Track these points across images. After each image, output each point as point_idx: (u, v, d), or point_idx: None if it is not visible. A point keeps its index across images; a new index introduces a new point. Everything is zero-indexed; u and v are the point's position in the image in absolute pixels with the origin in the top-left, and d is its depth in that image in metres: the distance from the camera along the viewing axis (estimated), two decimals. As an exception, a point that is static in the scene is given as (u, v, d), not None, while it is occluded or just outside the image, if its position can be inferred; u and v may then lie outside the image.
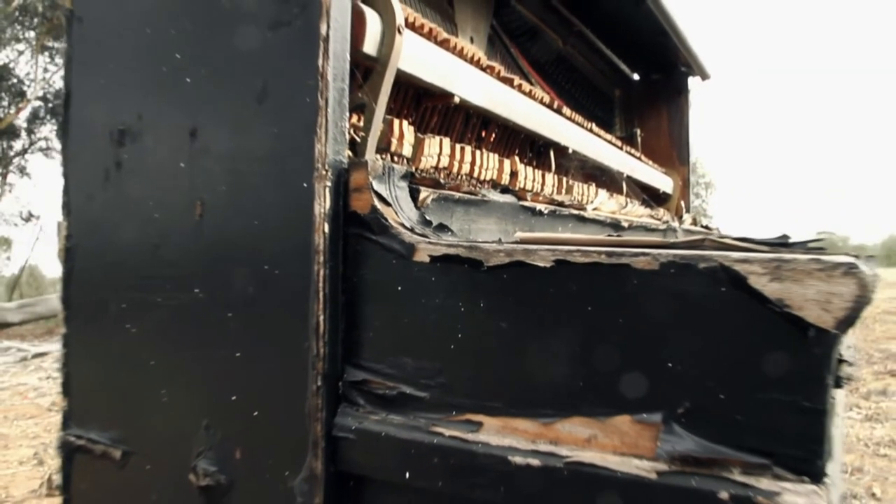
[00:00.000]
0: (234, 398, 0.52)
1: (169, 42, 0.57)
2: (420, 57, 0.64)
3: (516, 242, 0.44)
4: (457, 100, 0.71)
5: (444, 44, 0.71)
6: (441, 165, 0.68)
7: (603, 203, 0.91)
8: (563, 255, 0.41)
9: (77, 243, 0.64)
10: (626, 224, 0.86)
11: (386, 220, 0.47)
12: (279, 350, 0.49)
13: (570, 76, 1.48)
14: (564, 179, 0.98)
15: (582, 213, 0.76)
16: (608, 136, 1.26)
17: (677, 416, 0.38)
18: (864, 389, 4.57)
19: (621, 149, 1.33)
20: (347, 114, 0.50)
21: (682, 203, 1.68)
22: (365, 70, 0.58)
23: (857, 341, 7.34)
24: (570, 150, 1.01)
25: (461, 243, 0.46)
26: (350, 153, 0.52)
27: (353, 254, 0.48)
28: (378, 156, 0.59)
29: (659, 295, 0.38)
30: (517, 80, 0.88)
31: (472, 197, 0.58)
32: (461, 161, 0.72)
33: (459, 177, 0.73)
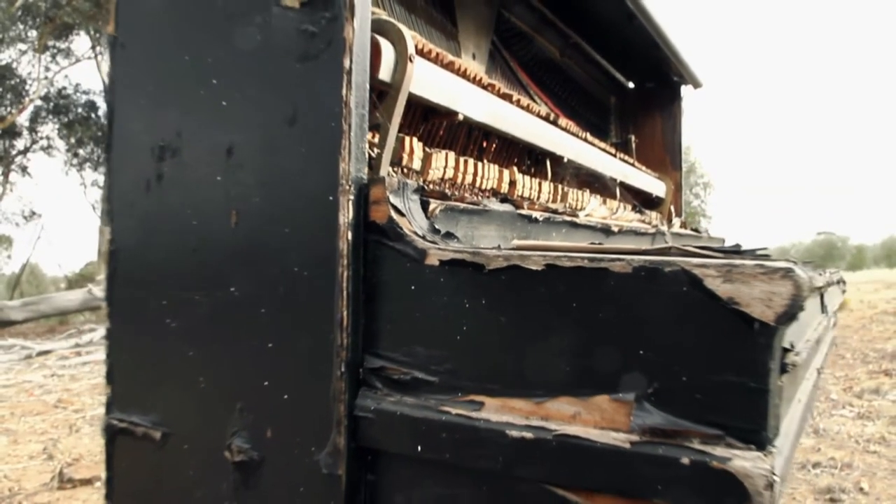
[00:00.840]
0: (265, 384, 0.59)
1: (207, 68, 0.64)
2: (428, 80, 0.72)
3: (513, 249, 0.52)
4: (461, 117, 0.79)
5: (449, 66, 0.78)
6: (447, 177, 0.76)
7: (594, 210, 0.98)
8: (553, 259, 0.48)
9: (120, 247, 0.72)
10: (615, 229, 0.93)
11: (401, 228, 0.55)
12: (307, 341, 0.56)
13: (567, 86, 1.55)
14: (560, 187, 1.06)
15: (574, 219, 0.83)
16: (602, 145, 1.34)
17: (647, 396, 0.45)
18: (857, 388, 4.64)
19: (615, 156, 1.40)
20: (367, 135, 0.58)
21: (675, 206, 1.76)
22: (380, 93, 0.66)
23: (853, 342, 7.40)
24: (566, 160, 1.08)
25: (466, 249, 0.53)
26: (368, 169, 0.59)
27: (373, 258, 0.56)
28: (391, 169, 0.67)
29: (632, 294, 0.45)
30: (515, 96, 0.95)
31: (475, 207, 0.66)
32: (464, 172, 0.80)
33: (463, 186, 0.81)
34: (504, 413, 0.50)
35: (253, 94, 0.61)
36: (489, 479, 0.51)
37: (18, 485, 2.95)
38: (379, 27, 0.64)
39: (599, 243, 0.67)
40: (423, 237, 0.55)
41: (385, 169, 0.64)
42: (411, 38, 0.68)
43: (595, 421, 0.47)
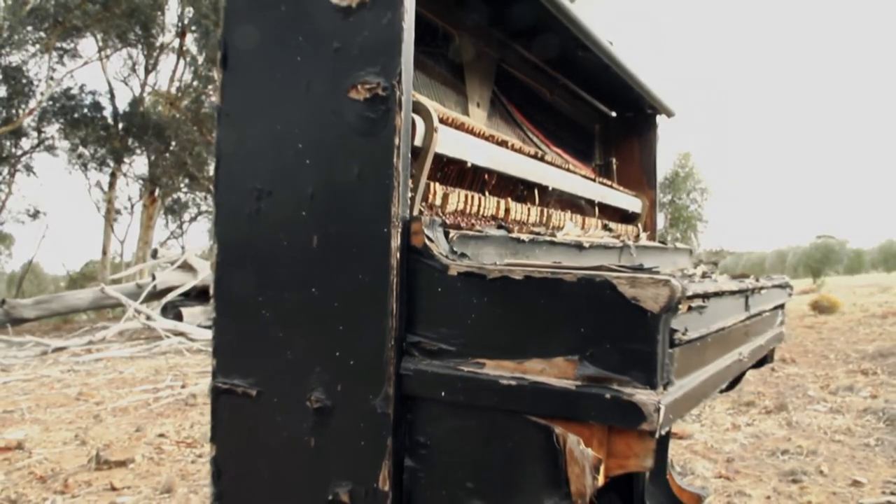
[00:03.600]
0: (337, 354, 0.88)
1: (294, 136, 0.93)
2: (446, 140, 1.00)
3: (505, 265, 0.80)
4: (469, 164, 1.07)
5: (460, 127, 1.07)
6: (459, 209, 1.04)
7: (570, 230, 1.27)
8: (529, 272, 0.77)
9: (224, 259, 1.00)
10: (587, 245, 1.21)
11: (431, 250, 0.83)
12: (368, 325, 0.85)
13: (557, 119, 1.84)
14: (545, 210, 1.34)
15: (553, 239, 1.11)
16: (583, 171, 1.62)
17: (586, 357, 0.74)
18: (833, 386, 4.93)
19: (594, 180, 1.69)
20: (409, 186, 0.86)
21: (649, 220, 2.04)
22: (414, 153, 0.94)
23: (839, 343, 7.63)
24: (550, 188, 1.37)
25: (474, 264, 0.82)
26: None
27: (412, 269, 0.84)
28: (422, 205, 0.95)
29: (577, 295, 0.74)
30: (510, 141, 1.24)
31: (479, 234, 0.94)
32: (471, 205, 1.08)
33: (470, 214, 1.09)
34: (497, 369, 0.78)
35: (329, 157, 0.89)
36: (488, 413, 0.79)
37: (59, 466, 3.24)
38: (415, 107, 0.92)
39: (575, 258, 0.95)
40: (446, 256, 0.83)
41: (417, 207, 0.93)
42: (435, 111, 0.96)
43: (554, 373, 0.75)
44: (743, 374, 1.74)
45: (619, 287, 0.71)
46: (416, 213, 0.91)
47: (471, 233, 0.92)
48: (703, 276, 1.25)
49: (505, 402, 0.77)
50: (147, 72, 16.69)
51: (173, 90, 16.56)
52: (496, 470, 0.79)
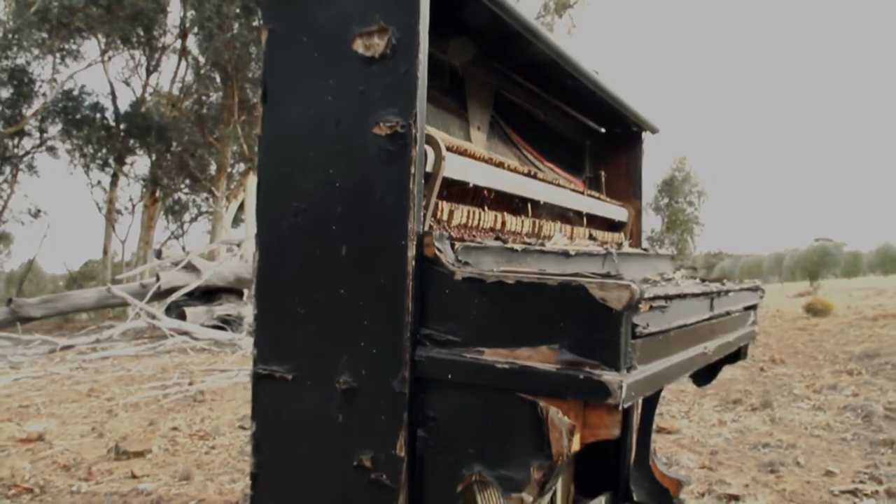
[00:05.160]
0: (362, 344, 1.07)
1: (325, 163, 1.11)
2: (452, 165, 1.19)
3: (500, 271, 0.99)
4: (471, 185, 1.26)
5: (463, 153, 1.26)
6: (462, 223, 1.23)
7: (558, 240, 1.45)
8: (519, 278, 0.95)
9: (265, 265, 1.19)
10: (573, 253, 1.40)
11: (440, 259, 1.02)
12: (388, 320, 1.03)
13: (550, 137, 2.03)
14: (537, 222, 1.53)
15: (542, 248, 1.30)
16: (572, 185, 1.81)
17: (565, 345, 0.92)
18: (818, 385, 5.12)
19: (583, 193, 1.87)
20: (422, 205, 1.05)
21: (634, 229, 2.23)
22: (425, 177, 1.13)
23: (829, 345, 7.81)
24: (542, 202, 1.56)
25: (475, 271, 1.00)
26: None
27: (424, 275, 1.03)
28: (432, 220, 1.14)
29: (557, 296, 0.92)
30: (507, 163, 1.43)
31: (479, 245, 1.13)
32: (472, 219, 1.27)
33: (472, 227, 1.28)
34: (494, 356, 0.97)
35: (355, 182, 1.08)
36: (486, 391, 0.98)
37: (80, 456, 3.42)
38: (427, 140, 1.11)
39: (562, 265, 1.14)
40: (452, 264, 1.02)
41: (428, 223, 1.11)
42: (443, 142, 1.15)
43: (539, 359, 0.94)
44: (718, 367, 1.93)
45: (590, 290, 0.90)
46: (427, 228, 1.10)
47: (472, 244, 1.11)
48: (674, 280, 1.44)
49: (500, 383, 0.96)
50: (149, 72, 16.87)
51: (175, 91, 16.73)
52: (492, 437, 0.98)
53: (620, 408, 0.91)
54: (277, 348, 1.17)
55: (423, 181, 1.06)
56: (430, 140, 1.12)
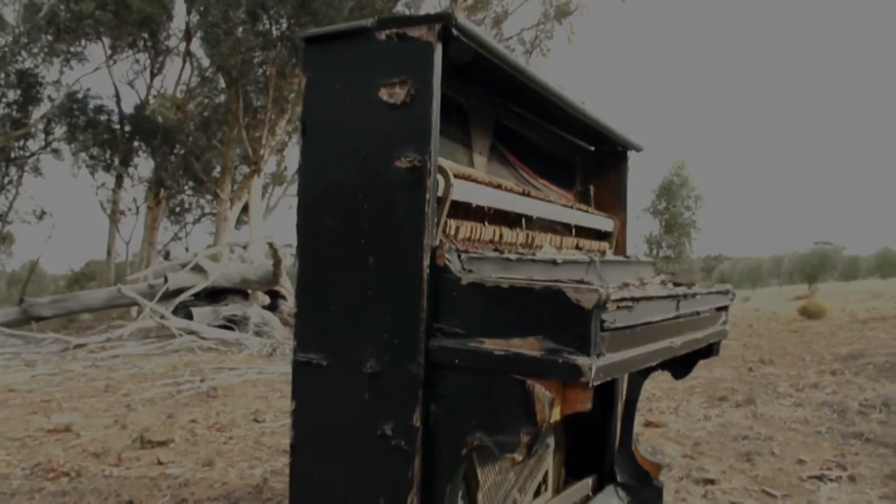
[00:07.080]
0: (385, 336, 1.32)
1: (355, 187, 1.37)
2: (458, 189, 1.44)
3: (497, 277, 1.24)
4: (473, 205, 1.52)
5: (467, 178, 1.51)
6: (466, 236, 1.49)
7: (547, 250, 1.71)
8: (512, 283, 1.21)
9: (304, 271, 1.44)
10: (560, 261, 1.66)
11: (449, 268, 1.27)
12: (407, 316, 1.29)
13: (544, 157, 2.28)
14: (530, 233, 1.79)
15: (534, 257, 1.56)
16: (562, 200, 2.06)
17: (548, 336, 1.18)
18: (801, 384, 5.37)
19: (572, 206, 2.13)
20: (435, 224, 1.30)
21: (619, 238, 2.48)
22: (437, 200, 1.38)
23: (818, 346, 8.05)
24: (534, 217, 1.81)
25: (477, 277, 1.26)
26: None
27: (436, 280, 1.28)
28: (442, 236, 1.39)
29: (542, 298, 1.18)
30: (504, 184, 1.68)
31: (480, 255, 1.38)
32: (475, 233, 1.52)
33: (474, 239, 1.53)
34: (492, 345, 1.22)
35: (380, 204, 1.33)
36: (486, 373, 1.23)
37: (107, 445, 3.68)
38: (439, 170, 1.36)
39: (550, 272, 1.40)
40: (459, 272, 1.27)
41: (439, 237, 1.37)
42: (451, 170, 1.40)
43: (528, 347, 1.19)
44: (693, 361, 2.18)
45: (567, 293, 1.15)
46: (438, 242, 1.35)
47: (475, 255, 1.36)
48: (647, 284, 1.69)
49: (496, 366, 1.21)
50: (153, 75, 17.11)
51: (179, 94, 16.96)
52: (490, 410, 1.24)
53: (591, 385, 1.16)
54: (314, 339, 1.43)
55: (436, 205, 1.31)
56: (441, 170, 1.38)
